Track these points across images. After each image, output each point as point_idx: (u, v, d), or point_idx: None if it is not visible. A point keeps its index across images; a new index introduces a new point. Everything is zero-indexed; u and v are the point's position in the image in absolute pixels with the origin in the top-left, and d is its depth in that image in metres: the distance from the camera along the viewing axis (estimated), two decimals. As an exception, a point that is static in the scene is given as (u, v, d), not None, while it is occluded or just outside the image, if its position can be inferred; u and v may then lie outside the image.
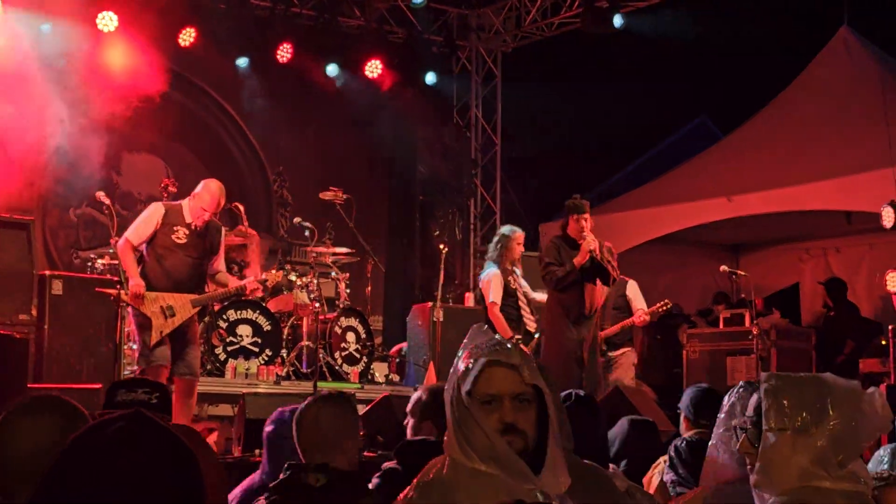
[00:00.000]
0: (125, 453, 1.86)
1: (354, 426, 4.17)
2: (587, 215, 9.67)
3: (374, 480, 4.66)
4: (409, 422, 5.17)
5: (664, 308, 10.47)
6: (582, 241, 9.53)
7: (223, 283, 8.88)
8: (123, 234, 8.64)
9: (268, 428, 4.84)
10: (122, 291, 8.48)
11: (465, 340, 2.94)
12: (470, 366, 2.85)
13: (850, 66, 13.89)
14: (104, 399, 4.54)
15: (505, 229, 10.63)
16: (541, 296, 10.34)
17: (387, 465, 4.70)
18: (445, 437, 2.87)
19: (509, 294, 10.28)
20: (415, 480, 2.89)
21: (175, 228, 8.54)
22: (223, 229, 8.96)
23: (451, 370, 2.89)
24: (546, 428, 2.86)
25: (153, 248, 8.58)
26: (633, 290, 10.56)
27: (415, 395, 5.18)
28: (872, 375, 12.46)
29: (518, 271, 10.45)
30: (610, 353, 10.21)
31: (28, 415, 2.89)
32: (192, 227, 8.56)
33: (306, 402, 4.23)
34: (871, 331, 13.44)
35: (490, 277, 10.25)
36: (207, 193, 8.58)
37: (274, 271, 9.44)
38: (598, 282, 9.74)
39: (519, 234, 10.45)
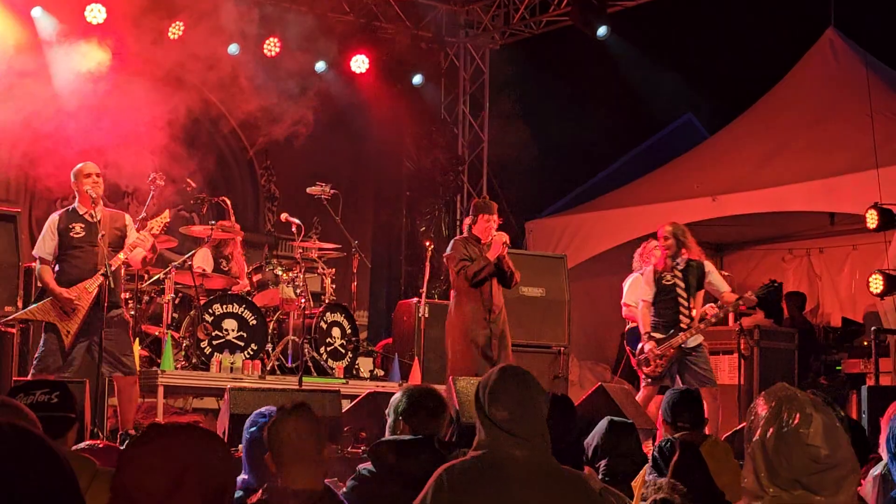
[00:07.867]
0: None
1: (321, 440, 4.06)
2: (495, 216, 9.80)
3: (349, 483, 4.62)
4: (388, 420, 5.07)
5: None
6: (488, 239, 9.65)
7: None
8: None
9: (250, 429, 4.80)
10: (53, 314, 8.33)
11: None
12: None
13: (836, 67, 13.95)
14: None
15: None
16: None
17: (361, 466, 4.68)
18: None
19: None
20: None
21: (71, 226, 8.55)
22: (125, 216, 8.94)
23: None
24: None
25: (62, 252, 8.55)
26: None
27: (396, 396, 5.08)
28: (855, 376, 12.54)
29: None
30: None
31: None
32: (87, 218, 8.57)
33: (273, 418, 4.11)
34: (820, 350, 13.53)
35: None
36: (74, 176, 8.65)
37: (160, 217, 8.96)
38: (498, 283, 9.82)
39: None
